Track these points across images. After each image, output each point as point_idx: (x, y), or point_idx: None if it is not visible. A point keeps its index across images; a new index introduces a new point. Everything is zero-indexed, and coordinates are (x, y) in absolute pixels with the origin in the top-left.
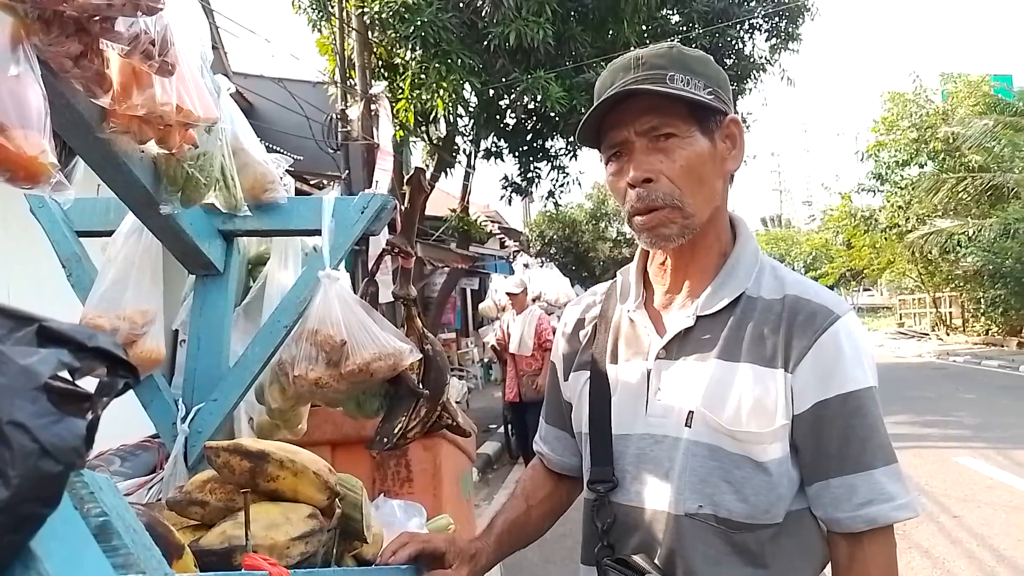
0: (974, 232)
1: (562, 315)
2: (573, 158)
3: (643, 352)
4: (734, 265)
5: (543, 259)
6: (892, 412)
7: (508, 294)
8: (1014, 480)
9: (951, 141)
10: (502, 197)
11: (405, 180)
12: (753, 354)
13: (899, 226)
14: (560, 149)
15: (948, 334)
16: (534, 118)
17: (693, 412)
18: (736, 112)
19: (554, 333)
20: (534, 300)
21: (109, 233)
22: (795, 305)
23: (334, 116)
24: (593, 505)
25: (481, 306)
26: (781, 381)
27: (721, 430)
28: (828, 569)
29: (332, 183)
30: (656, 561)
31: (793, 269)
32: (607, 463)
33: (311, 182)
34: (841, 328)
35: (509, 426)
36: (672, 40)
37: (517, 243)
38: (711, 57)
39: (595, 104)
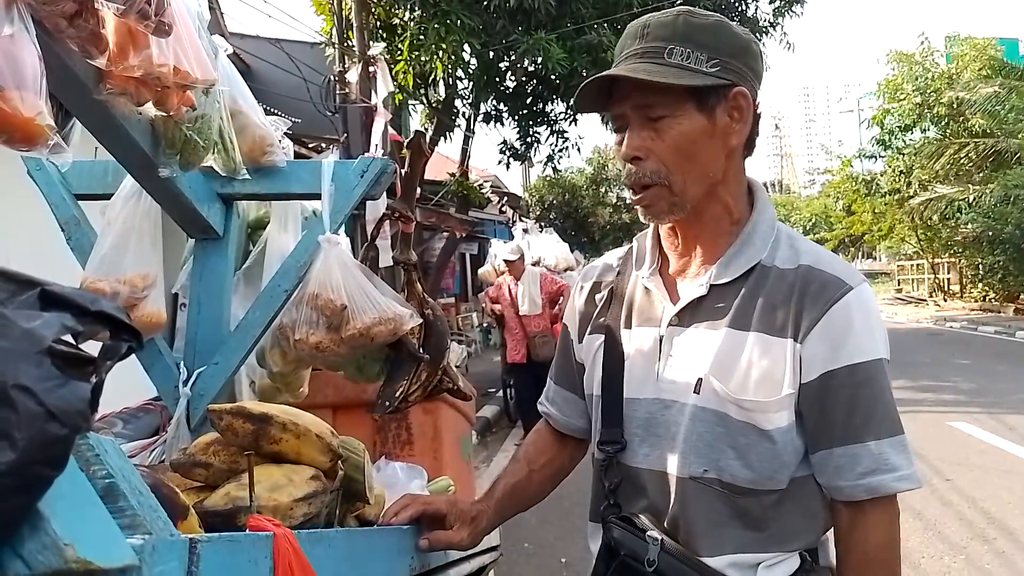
0: (975, 198)
1: (580, 276)
2: (573, 123)
3: (656, 319)
4: (750, 234)
5: (542, 224)
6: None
7: (505, 261)
8: (1006, 444)
9: (955, 106)
10: (500, 162)
11: (405, 144)
12: (763, 323)
13: (900, 191)
14: (560, 113)
15: (945, 300)
16: (534, 81)
17: (702, 379)
18: (755, 78)
19: (556, 286)
20: (534, 265)
21: (108, 196)
22: (808, 275)
23: (332, 78)
24: (602, 465)
25: (480, 271)
26: (790, 351)
27: (728, 398)
28: (831, 533)
29: (331, 146)
30: (662, 521)
31: None
32: (617, 425)
33: (309, 145)
34: (853, 300)
35: (509, 390)
36: (680, 3)
37: (516, 208)
38: (724, 22)
39: (595, 77)
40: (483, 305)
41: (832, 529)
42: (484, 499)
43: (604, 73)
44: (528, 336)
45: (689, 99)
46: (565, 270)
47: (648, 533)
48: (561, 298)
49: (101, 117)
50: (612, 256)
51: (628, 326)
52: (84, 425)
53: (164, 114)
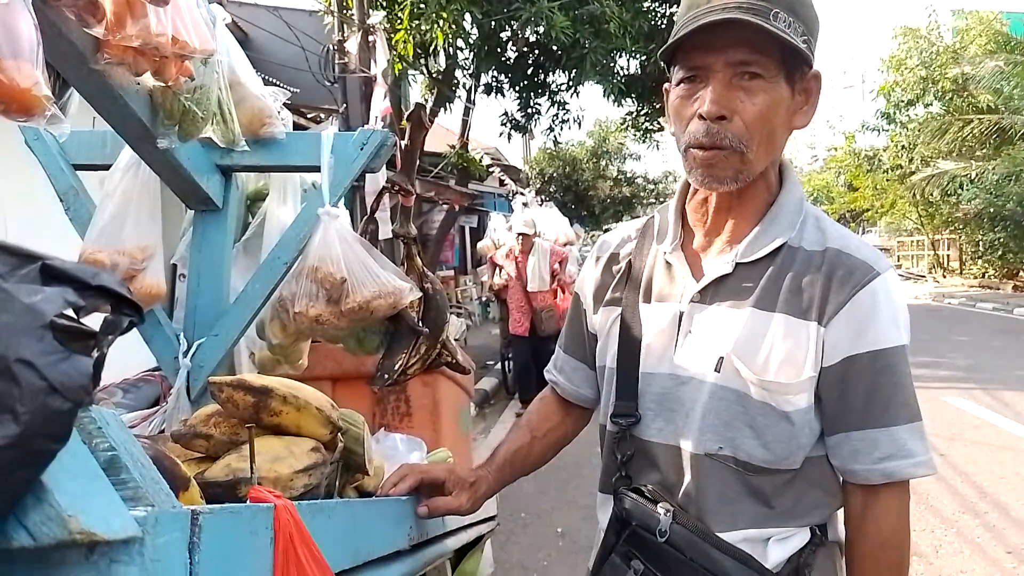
0: (977, 174)
1: (596, 247)
2: (575, 94)
3: (677, 294)
4: (777, 213)
5: (542, 198)
6: None
7: (520, 235)
8: (1001, 420)
9: (960, 81)
10: (501, 134)
11: (405, 116)
12: (789, 305)
13: (902, 167)
14: (561, 84)
15: (945, 276)
16: (536, 51)
17: (723, 358)
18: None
19: (563, 262)
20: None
21: (106, 167)
22: (835, 259)
23: (331, 47)
24: (615, 437)
25: (480, 245)
26: (814, 334)
27: (750, 378)
28: (840, 512)
29: (330, 117)
30: (674, 495)
31: None
32: (632, 399)
33: (308, 115)
34: (879, 286)
35: (507, 362)
36: None
37: (516, 180)
38: None
39: (692, 19)
40: (483, 279)
41: (842, 509)
42: (484, 465)
43: (727, 12)
44: (534, 310)
45: (782, 68)
46: (565, 245)
47: (660, 504)
48: (558, 266)
49: (99, 87)
50: (630, 227)
51: (647, 300)
52: (87, 399)
53: (162, 84)
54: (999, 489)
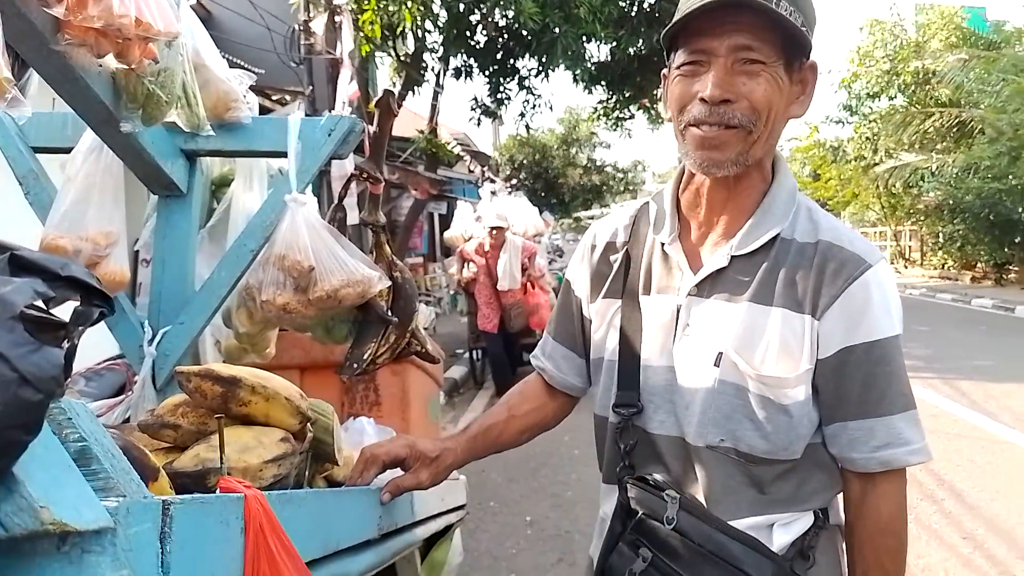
0: (938, 167)
1: (591, 236)
2: (545, 79)
3: (675, 287)
4: (771, 204)
5: (511, 186)
6: None
7: (493, 228)
8: (957, 409)
9: (921, 75)
10: (471, 119)
11: (373, 101)
12: (785, 299)
13: (865, 158)
14: (532, 69)
15: (906, 267)
16: (505, 36)
17: (722, 353)
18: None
19: (532, 257)
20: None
21: (67, 150)
22: (828, 251)
23: (296, 27)
24: (617, 428)
25: (447, 235)
26: (808, 327)
27: (748, 373)
28: (840, 496)
29: (296, 99)
30: (679, 485)
31: None
32: (633, 389)
33: (273, 97)
34: (872, 278)
35: (475, 353)
36: None
37: (485, 167)
38: None
39: (697, 1)
40: (451, 271)
41: (841, 496)
42: (455, 436)
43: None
44: (503, 307)
45: (782, 55)
46: (534, 236)
47: (666, 492)
48: (527, 261)
49: (59, 69)
50: (623, 215)
51: (647, 292)
52: (58, 390)
53: (125, 67)
54: (956, 477)
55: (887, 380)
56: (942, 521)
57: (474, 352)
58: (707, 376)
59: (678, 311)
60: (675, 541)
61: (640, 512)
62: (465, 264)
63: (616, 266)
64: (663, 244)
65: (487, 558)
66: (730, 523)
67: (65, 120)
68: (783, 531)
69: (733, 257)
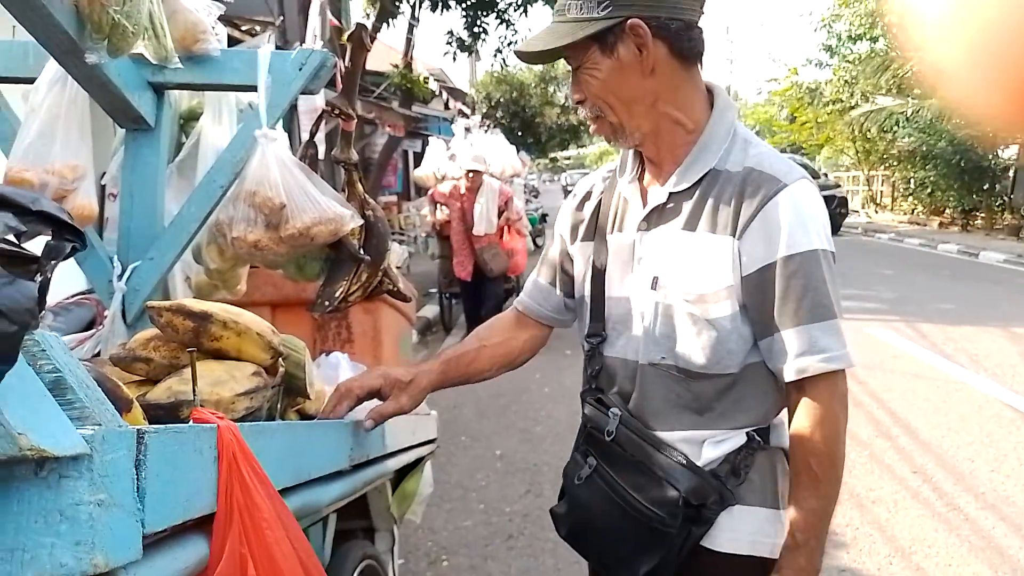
0: (913, 112)
1: (575, 188)
2: (523, 14)
3: (632, 224)
4: (706, 142)
5: (488, 124)
6: None
7: (470, 172)
8: (917, 350)
9: (903, 16)
10: (446, 53)
11: (346, 34)
12: (710, 223)
13: (842, 101)
14: (510, 3)
15: (877, 212)
16: None
17: (657, 277)
18: None
19: (509, 201)
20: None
21: (30, 80)
22: (748, 176)
23: None
24: (587, 355)
25: (417, 173)
26: (730, 247)
27: (677, 293)
28: (785, 417)
29: (266, 30)
30: (628, 402)
31: None
32: (600, 320)
33: (242, 28)
34: (785, 196)
35: (447, 299)
36: None
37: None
38: None
39: (518, 51)
40: (423, 212)
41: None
42: (427, 361)
43: (515, 49)
44: (475, 252)
45: (592, 45)
46: (511, 177)
47: (611, 410)
48: (504, 205)
49: None
50: (604, 169)
51: (612, 232)
52: (32, 322)
53: None
54: (911, 415)
55: (802, 292)
56: (895, 457)
57: (445, 296)
58: (647, 300)
59: (633, 245)
60: (614, 451)
61: (589, 427)
62: (437, 206)
63: (589, 213)
64: (622, 186)
65: (457, 489)
66: (668, 434)
67: (27, 49)
68: (713, 448)
69: (671, 194)
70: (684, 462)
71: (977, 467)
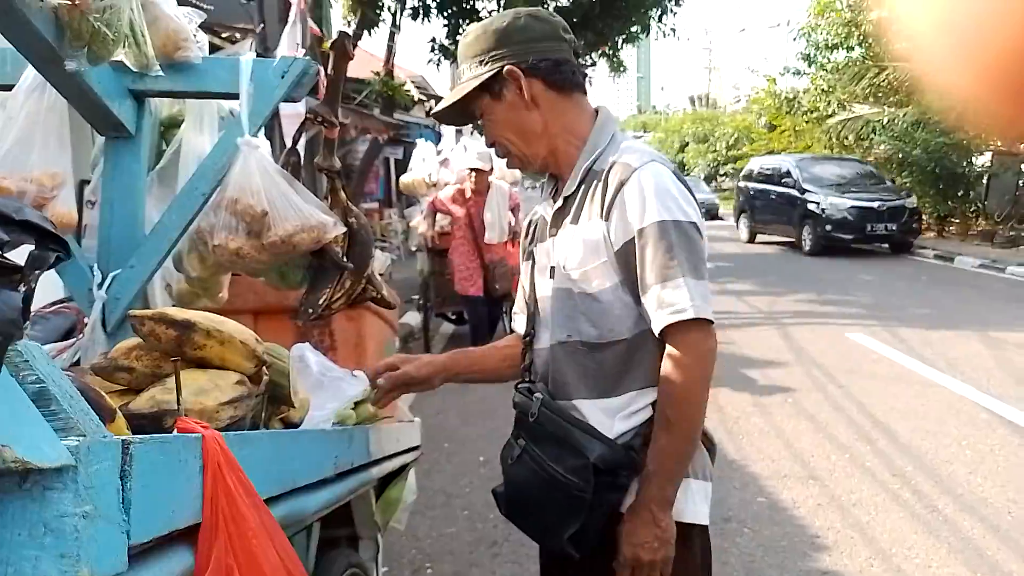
0: (889, 120)
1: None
2: None
3: (546, 233)
4: (588, 151)
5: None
6: (795, 290)
7: (474, 170)
8: (895, 355)
9: (879, 25)
10: (429, 61)
11: (328, 42)
12: (587, 212)
13: (819, 110)
14: (492, 10)
15: None
16: None
17: (554, 267)
18: (525, 44)
19: (516, 208)
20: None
21: (7, 87)
22: (612, 168)
23: None
24: (522, 352)
25: (405, 179)
26: (601, 228)
27: (569, 276)
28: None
29: (247, 37)
30: (548, 384)
31: (715, 149)
32: (532, 321)
33: (223, 35)
34: (634, 179)
35: (448, 317)
36: None
37: None
38: (483, 26)
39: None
40: (412, 223)
41: None
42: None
43: (431, 112)
44: (485, 266)
45: (484, 95)
46: (513, 184)
47: (535, 395)
48: (511, 213)
49: None
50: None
51: (536, 244)
52: (17, 332)
53: (68, 3)
54: (891, 419)
55: (652, 257)
56: (875, 460)
57: (448, 316)
58: (550, 288)
59: (548, 251)
60: (538, 431)
61: (517, 411)
62: (436, 216)
63: (530, 232)
64: (543, 204)
65: (441, 496)
66: (584, 408)
67: (4, 56)
68: (624, 420)
69: (565, 198)
70: (595, 434)
71: (955, 469)
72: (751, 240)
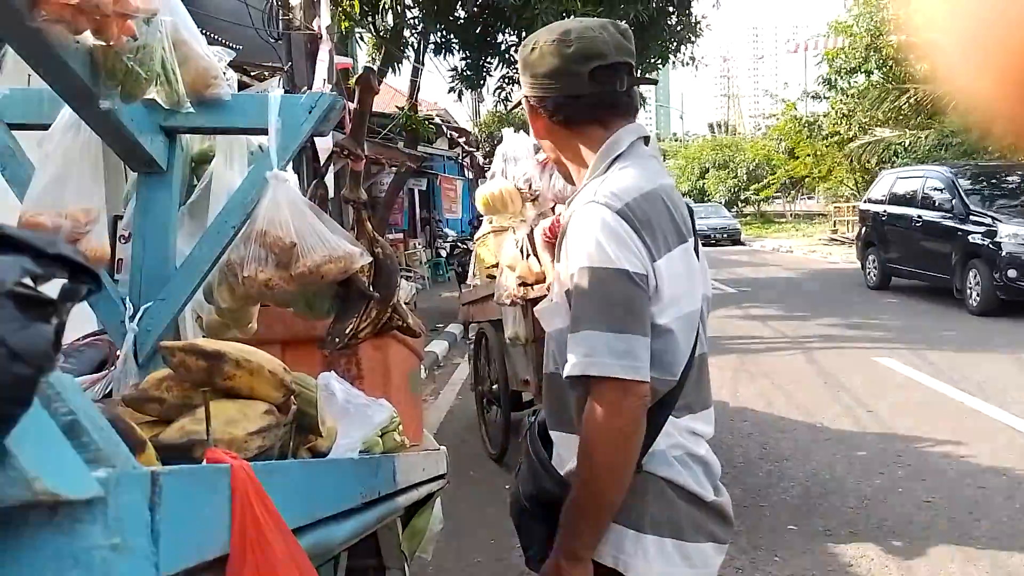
0: (911, 142)
1: None
2: None
3: None
4: (584, 183)
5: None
6: (821, 314)
7: None
8: (924, 378)
9: (899, 49)
10: (451, 90)
11: (354, 78)
12: (561, 253)
13: (840, 134)
14: (512, 44)
15: None
16: (486, 12)
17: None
18: (533, 74)
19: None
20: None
21: (44, 126)
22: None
23: (274, 2)
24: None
25: (484, 192)
26: (563, 268)
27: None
28: (660, 446)
29: (276, 74)
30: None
31: (735, 176)
32: None
33: (251, 73)
34: (572, 222)
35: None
36: None
37: (466, 143)
38: (522, 52)
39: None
40: (483, 250)
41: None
42: None
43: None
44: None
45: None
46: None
47: (530, 418)
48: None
49: (36, 45)
50: None
51: None
52: (48, 365)
53: (103, 44)
54: (920, 443)
55: (573, 302)
56: (908, 485)
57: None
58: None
59: None
60: (525, 450)
61: (524, 431)
62: (530, 254)
63: None
64: None
65: (467, 525)
66: (556, 438)
67: (41, 96)
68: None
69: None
70: (546, 467)
71: (990, 495)
72: (882, 286)
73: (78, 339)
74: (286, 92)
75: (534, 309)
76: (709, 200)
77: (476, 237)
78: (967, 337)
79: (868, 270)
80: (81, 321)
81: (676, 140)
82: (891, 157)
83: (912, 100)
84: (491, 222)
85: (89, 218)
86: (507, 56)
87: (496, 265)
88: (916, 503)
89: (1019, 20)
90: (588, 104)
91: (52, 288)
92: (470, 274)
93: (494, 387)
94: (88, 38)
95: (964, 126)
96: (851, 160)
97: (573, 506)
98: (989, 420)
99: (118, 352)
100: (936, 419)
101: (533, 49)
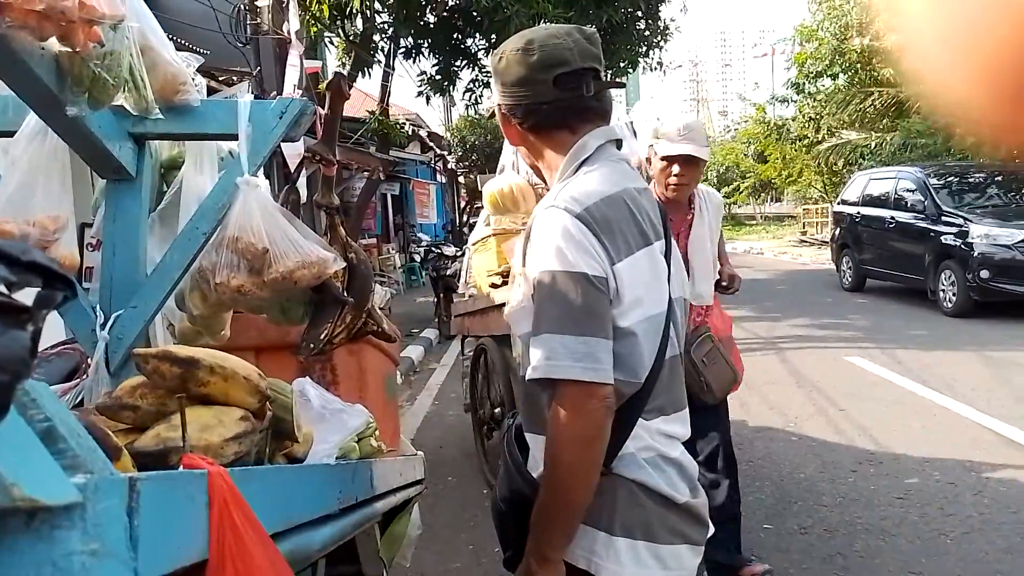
0: (876, 145)
1: None
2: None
3: None
4: (552, 187)
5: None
6: (791, 315)
7: (678, 161)
8: (895, 377)
9: (864, 54)
10: (419, 94)
11: (325, 83)
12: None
13: (808, 137)
14: (481, 50)
15: None
16: (456, 16)
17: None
18: (504, 82)
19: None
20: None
21: (9, 133)
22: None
23: (242, 7)
24: None
25: (493, 188)
26: (527, 272)
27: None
28: (632, 450)
29: (245, 79)
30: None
31: (705, 179)
32: None
33: (219, 78)
34: (535, 227)
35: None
36: None
37: (438, 146)
38: (498, 58)
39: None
40: (482, 257)
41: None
42: None
43: (490, 115)
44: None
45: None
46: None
47: (508, 420)
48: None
49: (1, 52)
50: None
51: None
52: (25, 372)
53: (70, 50)
54: (891, 441)
55: (536, 306)
56: (880, 483)
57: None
58: None
59: None
60: (503, 453)
61: (505, 432)
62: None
63: None
64: None
65: (446, 530)
66: (531, 440)
67: (6, 103)
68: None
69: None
70: (519, 469)
71: (961, 492)
72: (858, 288)
73: (46, 348)
74: (256, 97)
75: (504, 312)
76: None
77: (472, 241)
78: (938, 337)
79: (843, 272)
80: (47, 330)
81: None
82: (858, 159)
83: (877, 103)
84: (488, 224)
85: (57, 225)
86: (476, 60)
87: (501, 272)
88: (888, 500)
89: (996, 22)
90: (556, 110)
91: (25, 296)
92: (462, 282)
93: (496, 410)
94: (54, 44)
95: (929, 128)
96: (819, 162)
97: (541, 508)
98: (958, 418)
99: (89, 361)
100: (907, 417)
101: (501, 59)
